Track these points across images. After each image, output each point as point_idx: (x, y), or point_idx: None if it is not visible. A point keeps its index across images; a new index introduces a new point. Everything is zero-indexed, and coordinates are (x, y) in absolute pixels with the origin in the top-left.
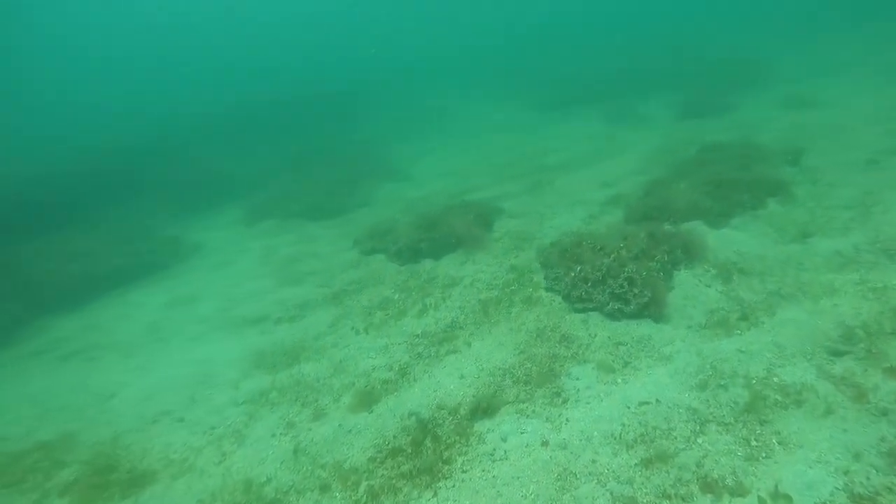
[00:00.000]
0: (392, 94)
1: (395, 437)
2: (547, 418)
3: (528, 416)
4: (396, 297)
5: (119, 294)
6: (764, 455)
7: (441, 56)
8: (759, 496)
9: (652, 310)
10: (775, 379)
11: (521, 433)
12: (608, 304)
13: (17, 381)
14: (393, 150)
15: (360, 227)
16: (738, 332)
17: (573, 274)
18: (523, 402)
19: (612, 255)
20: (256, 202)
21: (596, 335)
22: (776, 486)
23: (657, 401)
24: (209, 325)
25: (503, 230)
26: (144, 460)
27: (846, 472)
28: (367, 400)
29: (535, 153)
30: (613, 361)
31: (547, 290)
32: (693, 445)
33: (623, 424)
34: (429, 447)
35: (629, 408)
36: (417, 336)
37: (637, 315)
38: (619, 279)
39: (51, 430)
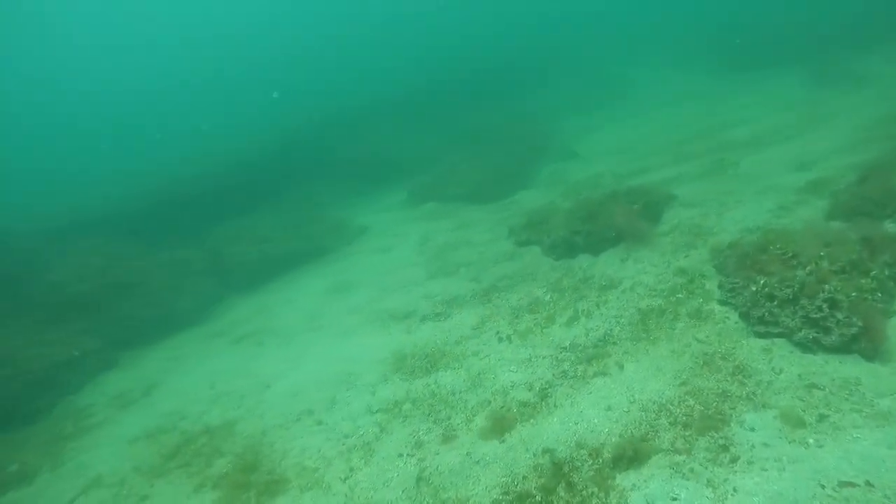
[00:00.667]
0: (565, 64)
1: (524, 477)
2: (708, 482)
3: (683, 475)
4: (547, 298)
5: (290, 278)
6: None
7: (618, 19)
8: None
9: (863, 344)
10: None
11: (673, 500)
12: (800, 332)
13: (204, 359)
14: (561, 125)
15: (518, 212)
16: None
17: (755, 287)
18: (680, 454)
19: (809, 267)
20: (420, 184)
21: (782, 371)
22: None
23: (868, 484)
24: (359, 317)
25: (673, 222)
26: (282, 463)
27: None
28: (500, 425)
29: (719, 126)
30: (804, 412)
31: (720, 302)
32: None
33: None
34: (561, 498)
35: (824, 488)
36: (564, 349)
37: (841, 349)
38: (816, 300)
39: (217, 414)
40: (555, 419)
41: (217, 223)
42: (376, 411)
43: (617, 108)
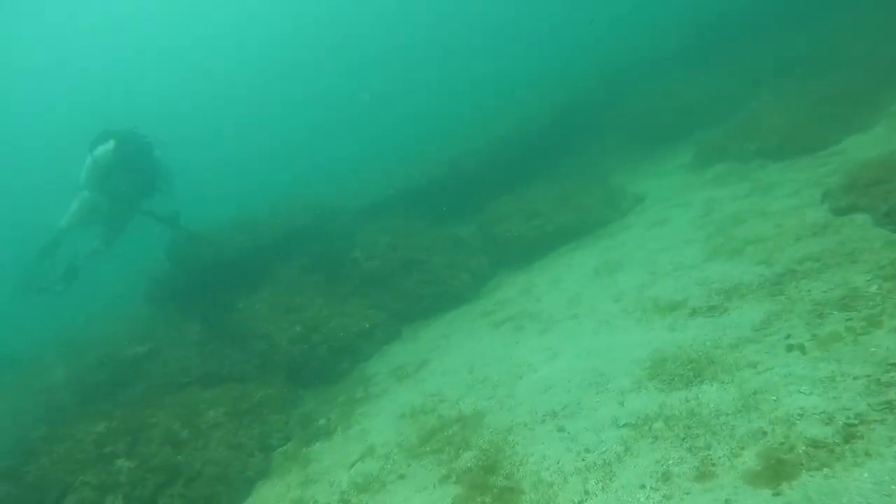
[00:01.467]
0: None
1: None
2: None
3: None
4: (873, 289)
5: (560, 253)
6: None
7: None
8: None
9: None
10: None
11: None
12: None
13: (469, 340)
14: None
15: (841, 167)
16: None
17: None
18: None
19: None
20: (710, 140)
21: None
22: None
23: None
24: (622, 304)
25: None
26: (521, 469)
27: None
28: (776, 470)
29: None
30: None
31: None
32: None
33: None
34: None
35: None
36: (893, 367)
37: None
38: None
39: (471, 402)
40: (865, 474)
41: (492, 199)
42: (623, 425)
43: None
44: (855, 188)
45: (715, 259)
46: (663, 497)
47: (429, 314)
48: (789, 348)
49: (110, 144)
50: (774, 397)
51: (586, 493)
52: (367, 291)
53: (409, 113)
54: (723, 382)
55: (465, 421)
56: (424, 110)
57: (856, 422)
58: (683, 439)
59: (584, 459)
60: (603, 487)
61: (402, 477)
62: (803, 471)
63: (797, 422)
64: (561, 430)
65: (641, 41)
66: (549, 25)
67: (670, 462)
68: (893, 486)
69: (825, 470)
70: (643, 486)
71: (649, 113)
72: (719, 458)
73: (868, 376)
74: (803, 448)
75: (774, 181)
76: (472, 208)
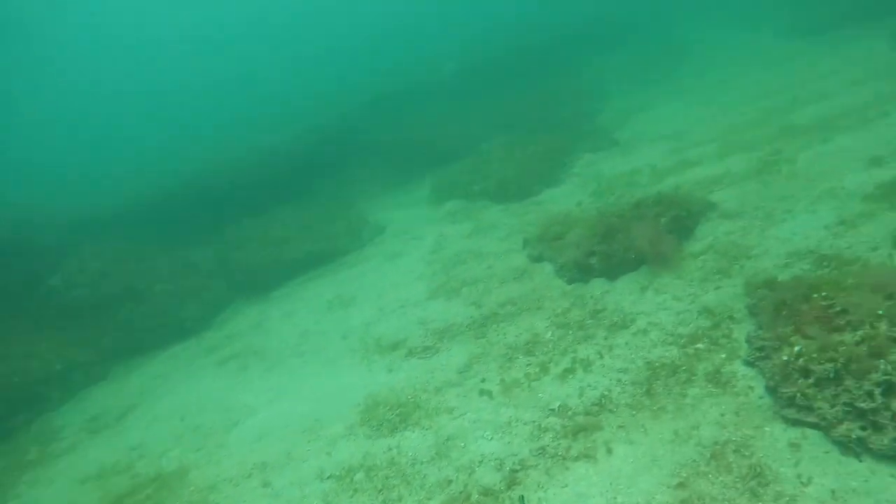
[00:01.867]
0: (623, 28)
1: None
2: None
3: None
4: (549, 335)
5: (299, 283)
6: None
7: None
8: None
9: None
10: None
11: None
12: (841, 425)
13: (187, 381)
14: (607, 103)
15: (539, 217)
16: None
17: (787, 356)
18: None
19: (860, 332)
20: (447, 176)
21: (810, 481)
22: None
23: None
24: (349, 343)
25: (707, 239)
26: None
27: None
28: None
29: (780, 106)
30: None
31: (746, 363)
32: None
33: None
34: None
35: None
36: (552, 412)
37: None
38: (866, 382)
39: (176, 456)
40: None
41: (234, 221)
42: (327, 478)
43: (673, 81)
44: (544, 240)
45: (437, 297)
46: None
47: (147, 350)
48: (481, 393)
49: None
50: (463, 443)
51: None
52: (66, 325)
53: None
54: (425, 429)
55: (165, 480)
56: (175, 111)
57: (518, 467)
58: (380, 491)
59: None
60: None
61: None
62: None
63: (477, 468)
64: (266, 485)
65: (410, 72)
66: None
67: None
68: None
69: None
70: None
71: (404, 142)
72: None
73: (534, 422)
74: (476, 496)
75: (493, 222)
76: (212, 229)
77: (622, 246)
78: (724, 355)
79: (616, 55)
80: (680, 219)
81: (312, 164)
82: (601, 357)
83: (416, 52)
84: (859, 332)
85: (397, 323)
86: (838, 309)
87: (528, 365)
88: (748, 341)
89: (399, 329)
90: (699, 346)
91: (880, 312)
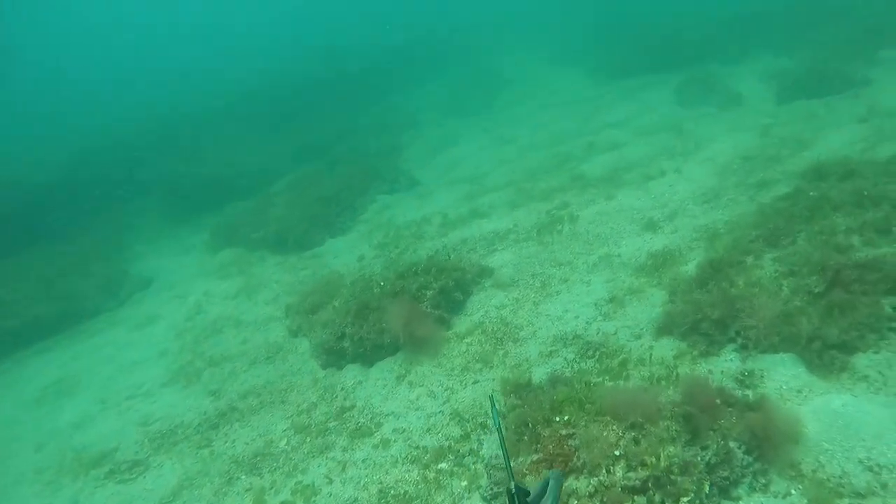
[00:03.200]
0: (438, 59)
1: None
2: None
3: None
4: (284, 443)
5: (19, 359)
6: None
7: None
8: None
9: None
10: None
11: None
12: None
13: None
14: (414, 137)
15: (314, 273)
16: None
17: None
18: None
19: (597, 478)
20: (229, 218)
21: None
22: None
23: None
24: (40, 458)
25: (477, 315)
26: None
27: None
28: None
29: (576, 153)
30: None
31: (484, 501)
32: None
33: None
34: None
35: None
36: None
37: None
38: None
39: None
40: None
41: None
42: None
43: (487, 114)
44: (303, 310)
45: (174, 383)
46: None
47: None
48: None
49: None
50: None
51: None
52: None
53: None
54: None
55: None
56: None
57: None
58: None
59: None
60: None
61: None
62: None
63: None
64: None
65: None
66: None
67: None
68: None
69: None
70: None
71: (194, 175)
72: None
73: None
74: None
75: (264, 279)
76: None
77: (375, 328)
78: (465, 483)
79: (437, 83)
80: (448, 291)
81: (77, 198)
82: (330, 482)
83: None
84: (594, 481)
85: (114, 423)
86: (577, 442)
87: (246, 491)
88: (487, 468)
89: (113, 433)
90: (443, 465)
91: (617, 453)
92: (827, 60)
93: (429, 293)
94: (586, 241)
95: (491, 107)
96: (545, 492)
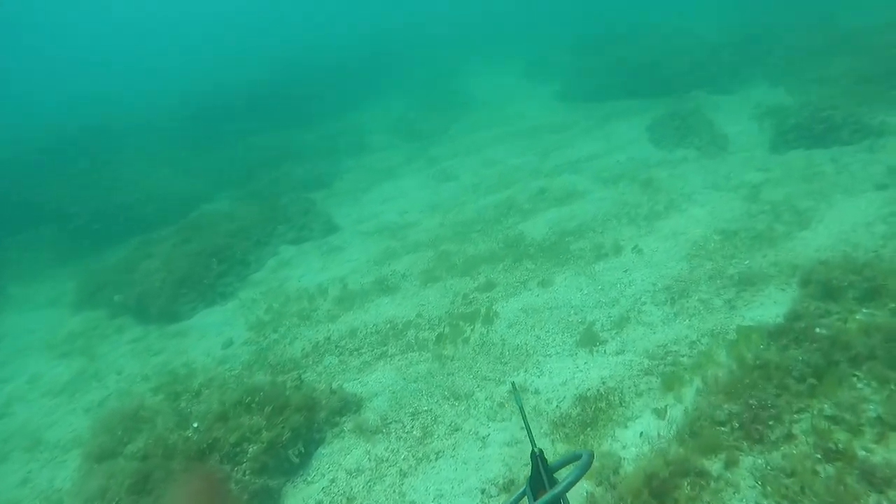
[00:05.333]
0: (404, 75)
1: None
2: None
3: None
4: None
5: None
6: None
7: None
8: None
9: None
10: None
11: None
12: None
13: None
14: (361, 161)
15: (170, 361)
16: None
17: None
18: None
19: None
20: (97, 271)
21: None
22: None
23: None
24: None
25: (316, 487)
26: None
27: None
28: None
29: (522, 201)
30: None
31: None
32: None
33: None
34: None
35: None
36: None
37: None
38: None
39: None
40: None
41: None
42: None
43: (436, 141)
44: (90, 455)
45: None
46: None
47: None
48: None
49: None
50: None
51: None
52: None
53: None
54: None
55: None
56: None
57: None
58: None
59: None
60: None
61: None
62: None
63: None
64: None
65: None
66: None
67: None
68: None
69: None
70: None
71: (94, 200)
72: None
73: None
74: None
75: (106, 366)
76: None
77: None
78: None
79: (398, 98)
80: (281, 446)
81: None
82: None
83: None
84: None
85: None
86: None
87: None
88: None
89: None
90: None
91: None
92: (835, 99)
93: (252, 449)
94: (499, 357)
95: (447, 130)
96: (567, 463)
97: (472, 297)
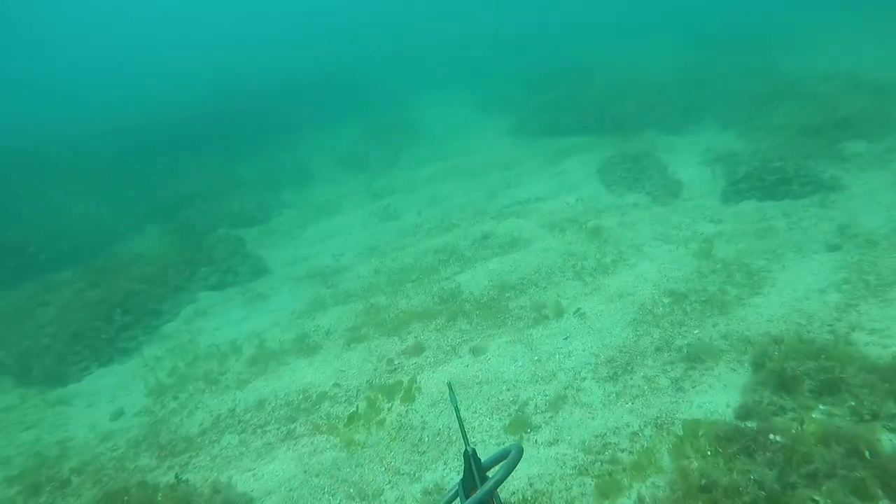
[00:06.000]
0: (357, 101)
1: None
2: None
3: None
4: None
5: None
6: None
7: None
8: None
9: None
10: None
11: None
12: None
13: None
14: (303, 194)
15: (43, 436)
16: None
17: None
18: None
19: None
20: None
21: None
22: None
23: None
24: None
25: None
26: None
27: None
28: None
29: (463, 247)
30: None
31: None
32: None
33: None
34: None
35: None
36: None
37: None
38: None
39: None
40: None
41: None
42: None
43: (382, 174)
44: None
45: None
46: None
47: None
48: None
49: None
50: None
51: None
52: None
53: None
54: None
55: None
56: None
57: None
58: None
59: None
60: None
61: None
62: None
63: None
64: None
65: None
66: None
67: None
68: None
69: None
70: None
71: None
72: None
73: None
74: None
75: None
76: None
77: None
78: None
79: (348, 125)
80: None
81: None
82: None
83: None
84: None
85: None
86: None
87: None
88: None
89: None
90: None
91: None
92: (784, 150)
93: None
94: (417, 445)
95: (395, 163)
96: (499, 461)
97: (396, 363)
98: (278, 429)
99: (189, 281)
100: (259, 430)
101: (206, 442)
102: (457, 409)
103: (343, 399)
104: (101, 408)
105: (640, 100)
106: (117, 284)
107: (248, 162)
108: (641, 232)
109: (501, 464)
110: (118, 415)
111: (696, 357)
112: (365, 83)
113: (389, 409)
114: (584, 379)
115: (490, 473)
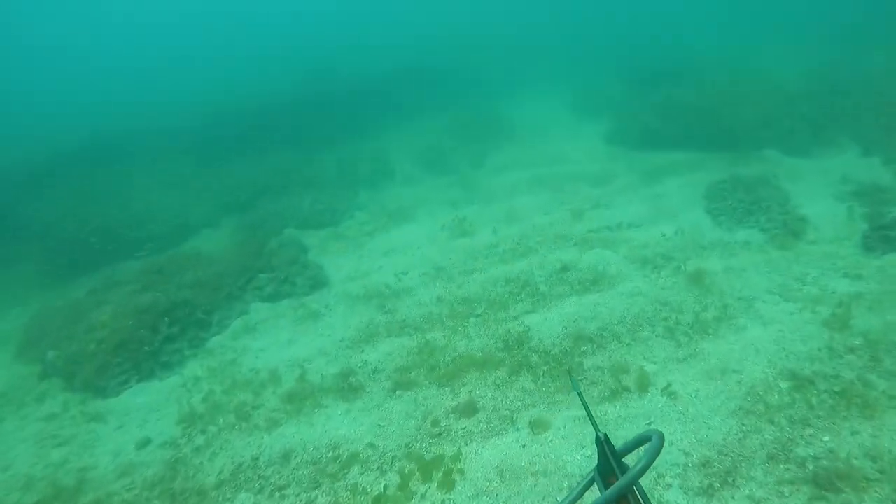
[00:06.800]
0: (449, 94)
1: None
2: None
3: None
4: None
5: None
6: None
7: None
8: None
9: None
10: None
11: None
12: None
13: None
14: (367, 202)
15: (70, 459)
16: None
17: None
18: None
19: None
20: (56, 308)
21: None
22: None
23: None
24: None
25: None
26: None
27: None
28: None
29: (538, 280)
30: None
31: None
32: None
33: None
34: None
35: None
36: None
37: None
38: None
39: None
40: None
41: None
42: None
43: (464, 178)
44: None
45: None
46: None
47: None
48: None
49: None
50: None
51: None
52: None
53: None
54: None
55: None
56: None
57: None
58: None
59: None
60: None
61: None
62: None
63: None
64: None
65: None
66: None
67: None
68: None
69: None
70: None
71: (81, 219)
72: None
73: None
74: None
75: (2, 452)
76: None
77: None
78: None
79: (431, 120)
80: None
81: None
82: None
83: None
84: None
85: None
86: None
87: None
88: None
89: None
90: None
91: None
92: None
93: None
94: None
95: (480, 166)
96: (635, 447)
97: (443, 424)
98: (297, 495)
99: (244, 290)
100: (277, 494)
101: (220, 500)
102: (580, 395)
103: (375, 466)
104: (131, 432)
105: (759, 110)
106: (168, 289)
107: (326, 154)
108: (753, 282)
109: (643, 449)
110: (144, 444)
111: (828, 481)
112: (457, 73)
113: (423, 497)
114: (668, 487)
115: (626, 461)
